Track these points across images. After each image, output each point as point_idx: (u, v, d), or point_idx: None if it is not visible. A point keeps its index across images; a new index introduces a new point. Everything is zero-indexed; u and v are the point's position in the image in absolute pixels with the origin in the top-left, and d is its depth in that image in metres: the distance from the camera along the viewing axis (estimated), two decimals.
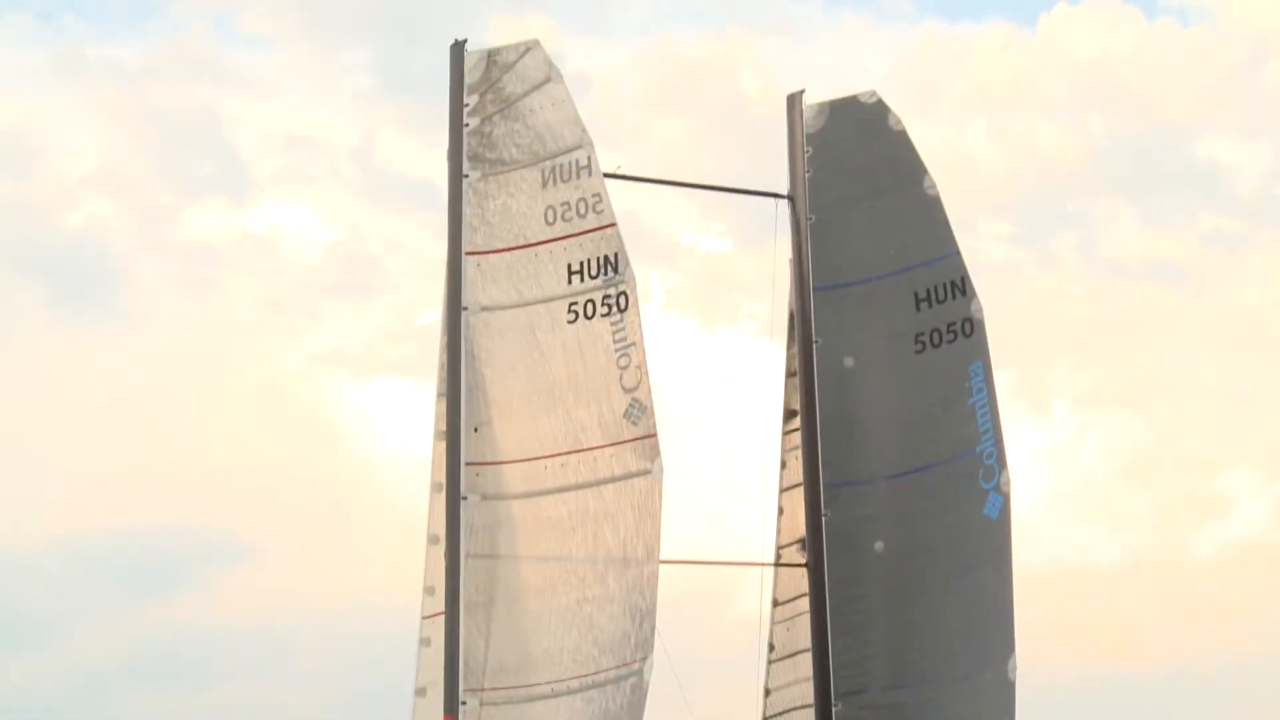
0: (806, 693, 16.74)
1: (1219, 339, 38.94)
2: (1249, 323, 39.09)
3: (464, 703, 15.23)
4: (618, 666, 15.05)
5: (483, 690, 15.31)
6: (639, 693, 14.99)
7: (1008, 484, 16.57)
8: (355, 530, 35.72)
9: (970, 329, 16.71)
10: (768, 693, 17.29)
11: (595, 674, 15.08)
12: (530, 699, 15.23)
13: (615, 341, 15.44)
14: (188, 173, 40.66)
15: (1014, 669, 16.42)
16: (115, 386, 38.12)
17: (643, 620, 15.04)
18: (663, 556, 15.24)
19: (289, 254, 39.87)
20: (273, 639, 35.54)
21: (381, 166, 40.00)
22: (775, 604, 17.24)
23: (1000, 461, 16.58)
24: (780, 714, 17.19)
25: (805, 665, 16.81)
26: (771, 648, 17.24)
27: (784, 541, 17.31)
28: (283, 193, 39.61)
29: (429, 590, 15.63)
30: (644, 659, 15.00)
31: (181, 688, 34.75)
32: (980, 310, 16.72)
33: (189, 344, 38.21)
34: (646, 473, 15.22)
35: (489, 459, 15.58)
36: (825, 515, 16.63)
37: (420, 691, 15.60)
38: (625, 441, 15.28)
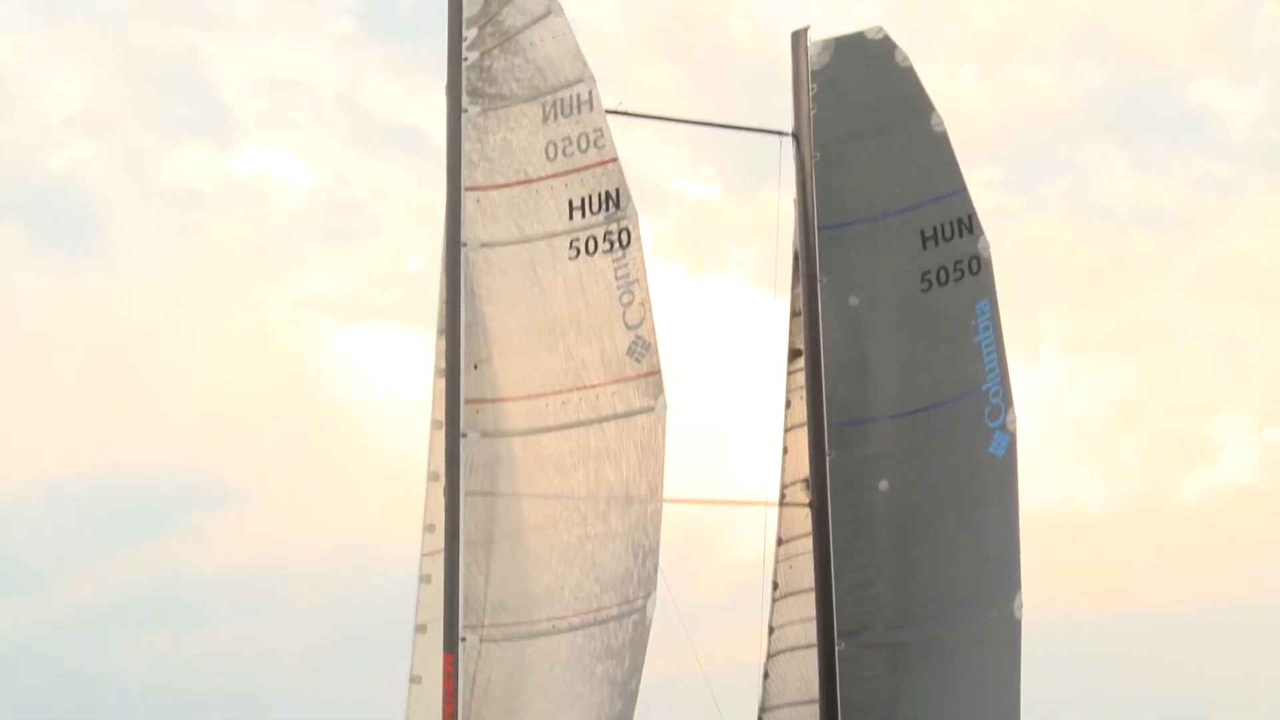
0: (809, 631, 16.66)
1: (1210, 285, 38.96)
2: (1240, 269, 39.11)
3: (464, 639, 15.11)
4: (620, 604, 14.93)
5: (483, 627, 15.19)
6: (641, 630, 14.87)
7: (1014, 422, 16.41)
8: (343, 474, 35.76)
9: (977, 267, 16.54)
10: (771, 630, 17.24)
11: (597, 610, 14.96)
12: (531, 635, 15.11)
13: (617, 278, 15.25)
14: (170, 116, 40.36)
15: (1020, 607, 16.31)
16: (100, 331, 37.96)
17: (646, 558, 14.91)
18: (665, 495, 15.14)
19: (274, 199, 39.69)
20: (261, 582, 35.58)
21: (367, 110, 39.75)
22: (779, 542, 17.17)
23: (1006, 400, 16.43)
24: (783, 652, 17.15)
25: (807, 604, 16.73)
26: (775, 586, 17.18)
27: (788, 480, 17.23)
28: (267, 137, 39.38)
29: (429, 527, 15.49)
30: (647, 596, 14.87)
31: (171, 631, 34.81)
32: (987, 248, 16.53)
33: (174, 288, 38.10)
34: (650, 410, 15.06)
35: (489, 396, 15.42)
36: (830, 455, 16.51)
37: (420, 628, 15.49)
38: (628, 379, 15.12)
